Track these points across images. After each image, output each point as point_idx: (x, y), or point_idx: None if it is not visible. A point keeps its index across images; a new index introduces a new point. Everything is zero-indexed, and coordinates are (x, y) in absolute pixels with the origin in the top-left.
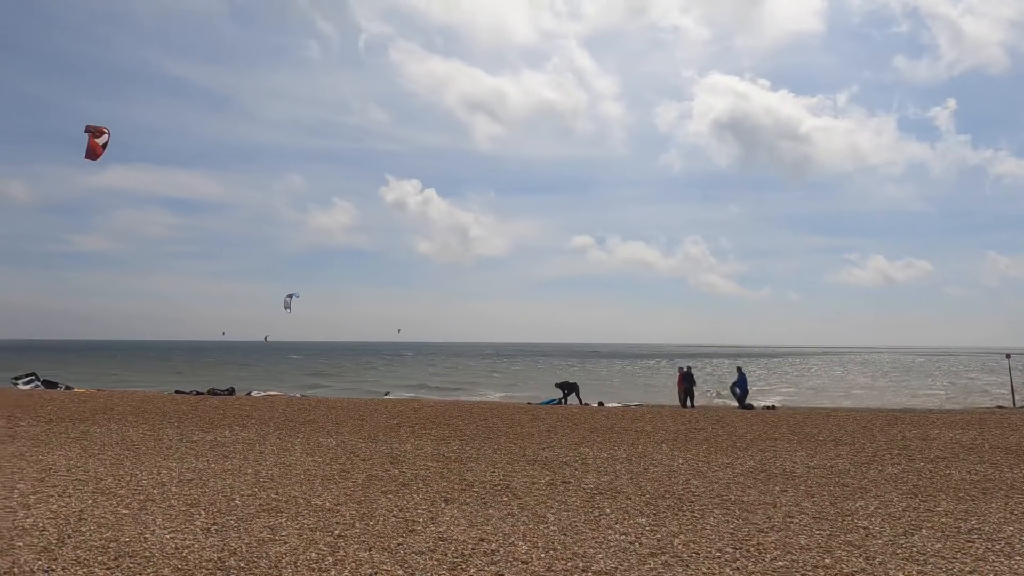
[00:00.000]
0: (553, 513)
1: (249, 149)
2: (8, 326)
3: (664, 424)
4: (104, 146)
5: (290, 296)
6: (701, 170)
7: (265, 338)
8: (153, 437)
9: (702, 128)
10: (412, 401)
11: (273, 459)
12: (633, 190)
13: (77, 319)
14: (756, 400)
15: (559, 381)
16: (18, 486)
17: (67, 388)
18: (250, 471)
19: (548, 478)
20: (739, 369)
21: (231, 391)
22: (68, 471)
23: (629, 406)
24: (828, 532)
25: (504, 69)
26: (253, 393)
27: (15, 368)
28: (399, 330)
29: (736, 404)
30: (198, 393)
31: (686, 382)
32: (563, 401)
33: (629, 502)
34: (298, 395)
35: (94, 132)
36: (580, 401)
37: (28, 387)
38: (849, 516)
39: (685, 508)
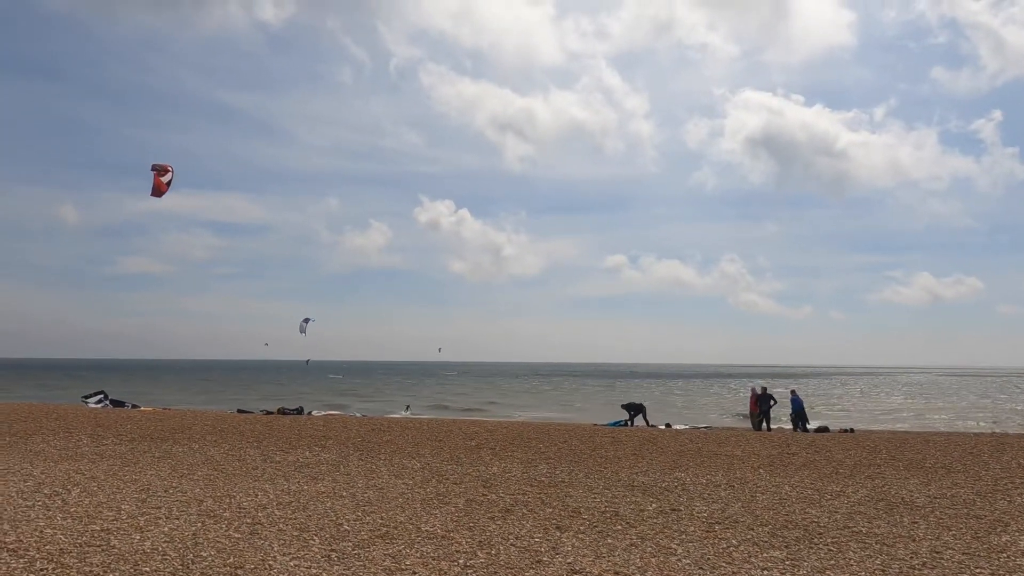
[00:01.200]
0: (678, 544)
1: (288, 173)
2: (62, 346)
3: (752, 448)
4: (168, 184)
5: (306, 321)
6: (735, 188)
7: (307, 362)
8: (236, 457)
9: (735, 145)
10: (484, 422)
11: (363, 481)
12: (666, 208)
13: (128, 339)
14: (815, 422)
15: (625, 402)
16: (123, 507)
17: (133, 407)
18: (345, 494)
19: (655, 505)
20: (794, 392)
21: (300, 411)
22: (166, 492)
23: (698, 428)
24: (988, 571)
25: (533, 89)
26: (313, 413)
27: (67, 387)
28: (439, 349)
29: (792, 428)
30: (268, 412)
31: (762, 403)
32: (630, 423)
33: (752, 533)
34: (358, 414)
35: (159, 170)
36: (647, 423)
37: (98, 405)
38: (1002, 552)
39: (816, 541)
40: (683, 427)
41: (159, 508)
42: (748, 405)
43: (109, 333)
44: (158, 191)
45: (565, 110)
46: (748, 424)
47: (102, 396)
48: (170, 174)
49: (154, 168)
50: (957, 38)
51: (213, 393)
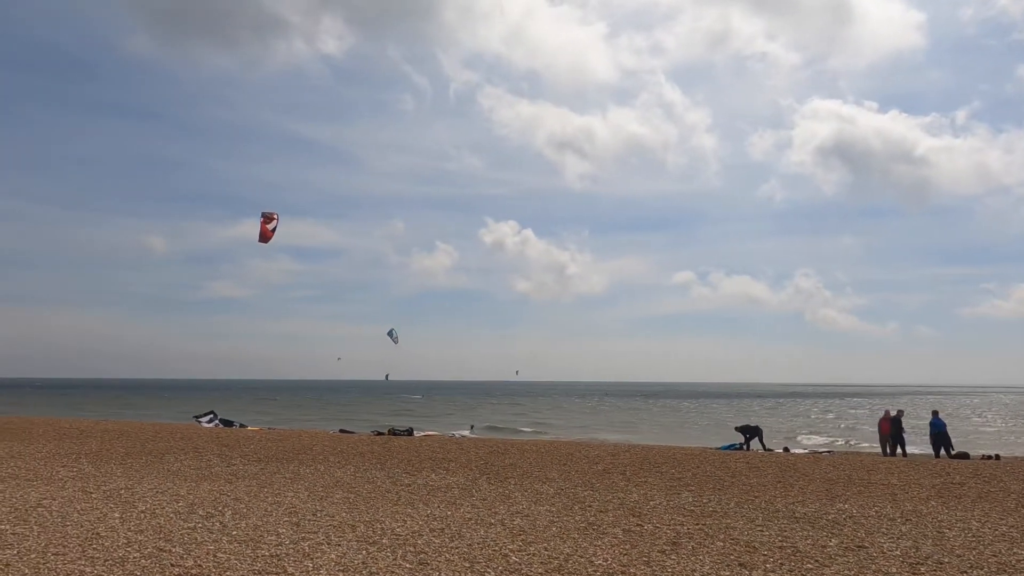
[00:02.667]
0: None
1: (357, 198)
2: (154, 366)
3: (908, 476)
4: (273, 230)
5: (390, 333)
6: (806, 200)
7: (386, 376)
8: (365, 479)
9: (804, 156)
10: (602, 445)
11: (503, 507)
12: (733, 223)
13: (214, 360)
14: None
15: (740, 424)
16: (280, 530)
17: (241, 426)
18: (493, 521)
19: (835, 541)
20: (935, 414)
21: (410, 431)
22: (314, 515)
23: (818, 452)
24: None
25: (590, 108)
26: (415, 433)
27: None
28: (517, 372)
29: (934, 453)
30: (379, 433)
31: (894, 427)
32: (745, 446)
33: None
34: (455, 434)
35: (266, 218)
36: (763, 446)
37: (210, 424)
38: None
39: None
40: (802, 451)
41: (315, 533)
42: (879, 427)
43: (198, 354)
44: (264, 237)
45: (624, 127)
46: (868, 448)
47: (212, 415)
48: (275, 221)
49: (262, 215)
50: None
51: (309, 412)
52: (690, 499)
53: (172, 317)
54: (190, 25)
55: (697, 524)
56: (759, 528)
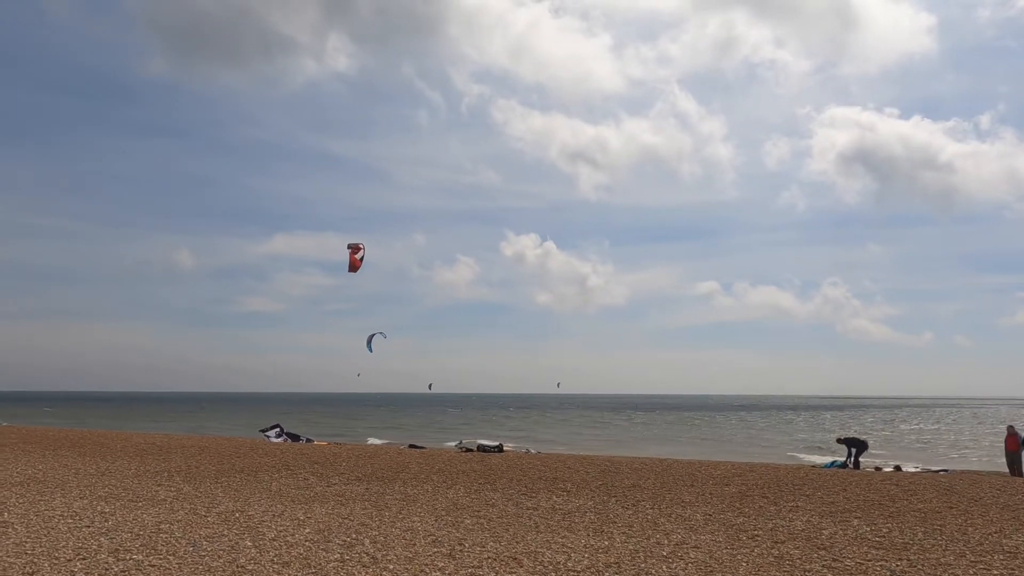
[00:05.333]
0: None
1: (382, 212)
2: (193, 379)
3: None
4: (361, 259)
5: (371, 337)
6: (829, 208)
7: (430, 386)
8: (483, 502)
9: (824, 165)
10: (720, 463)
11: (663, 537)
12: (755, 233)
13: (249, 373)
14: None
15: (843, 436)
16: (437, 563)
17: (308, 440)
18: (666, 554)
19: None
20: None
21: (500, 448)
22: (461, 544)
23: (931, 470)
24: None
25: (602, 118)
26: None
27: (213, 419)
28: (558, 384)
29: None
30: (467, 450)
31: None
32: (850, 462)
33: None
34: (531, 449)
35: (354, 249)
36: (857, 463)
37: (278, 439)
38: None
39: None
40: (914, 469)
41: (479, 567)
42: (1005, 445)
43: (232, 368)
44: (352, 267)
45: (637, 137)
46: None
47: (279, 430)
48: (362, 251)
49: (349, 246)
50: None
51: (360, 424)
52: (865, 528)
53: (207, 331)
54: (201, 46)
55: (900, 559)
56: (982, 567)
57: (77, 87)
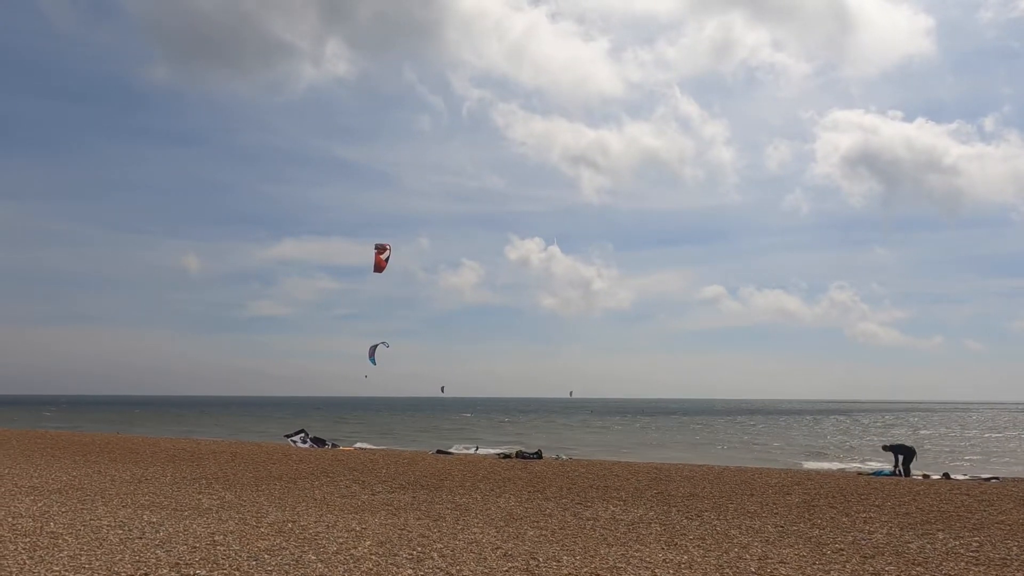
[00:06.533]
0: None
1: (387, 216)
2: (204, 384)
3: None
4: (387, 260)
5: (375, 348)
6: (834, 212)
7: (442, 389)
8: (539, 511)
9: (829, 168)
10: (774, 471)
11: (742, 551)
12: (759, 236)
13: (260, 377)
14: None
15: (889, 443)
16: None
17: (334, 445)
18: (753, 570)
19: None
20: None
21: (539, 454)
22: (534, 558)
23: (980, 479)
24: None
25: (602, 122)
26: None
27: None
28: (571, 392)
29: None
30: (505, 456)
31: None
32: (900, 470)
33: None
34: (563, 456)
35: (380, 249)
36: (904, 471)
37: (304, 445)
38: None
39: None
40: (963, 476)
41: None
42: None
43: (242, 372)
44: (378, 267)
45: (638, 140)
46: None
47: (304, 435)
48: (388, 251)
49: (376, 247)
50: None
51: (376, 428)
52: (954, 542)
53: (217, 336)
54: (202, 52)
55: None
56: None
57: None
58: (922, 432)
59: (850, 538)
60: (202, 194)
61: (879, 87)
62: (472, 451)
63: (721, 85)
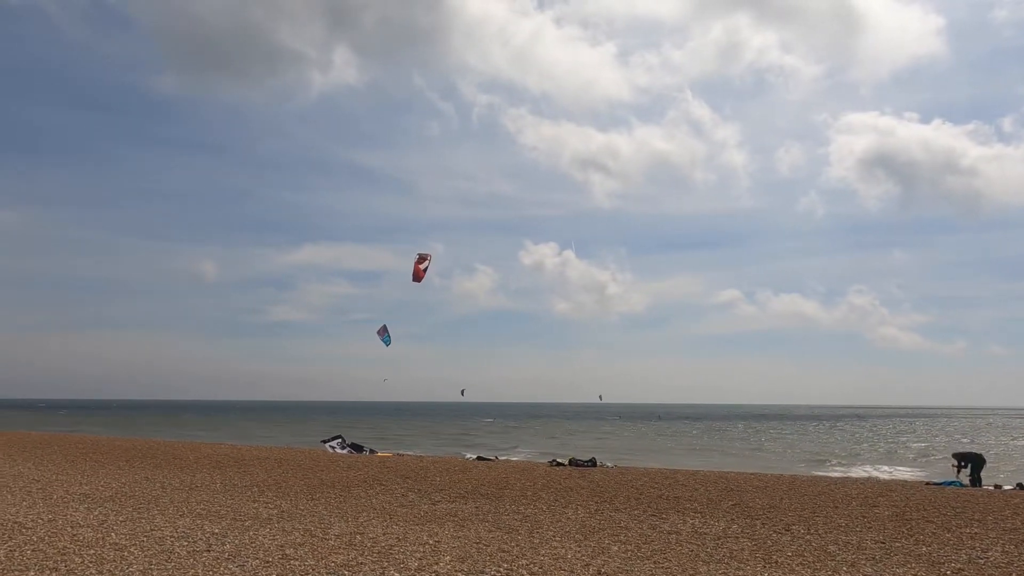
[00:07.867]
0: None
1: (402, 222)
2: (225, 388)
3: None
4: (425, 270)
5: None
6: (850, 214)
7: (462, 392)
8: (610, 522)
9: (844, 171)
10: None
11: (842, 568)
12: (775, 240)
13: (280, 381)
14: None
15: (959, 451)
16: None
17: (371, 451)
18: None
19: None
20: None
21: (593, 462)
22: (628, 575)
23: None
24: None
25: (611, 126)
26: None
27: (214, 427)
28: (600, 396)
29: None
30: (557, 464)
31: None
32: (973, 479)
33: None
34: (607, 464)
35: (420, 258)
36: (972, 480)
37: (343, 451)
38: None
39: None
40: (1010, 487)
41: None
42: None
43: (263, 376)
44: (417, 276)
45: (648, 143)
46: None
47: (341, 440)
48: (428, 261)
49: (418, 256)
50: None
51: (402, 434)
52: None
53: (238, 340)
54: (212, 61)
55: None
56: None
57: (108, 104)
58: (962, 440)
59: (964, 556)
60: (222, 201)
61: (890, 88)
62: (514, 458)
63: (729, 88)
